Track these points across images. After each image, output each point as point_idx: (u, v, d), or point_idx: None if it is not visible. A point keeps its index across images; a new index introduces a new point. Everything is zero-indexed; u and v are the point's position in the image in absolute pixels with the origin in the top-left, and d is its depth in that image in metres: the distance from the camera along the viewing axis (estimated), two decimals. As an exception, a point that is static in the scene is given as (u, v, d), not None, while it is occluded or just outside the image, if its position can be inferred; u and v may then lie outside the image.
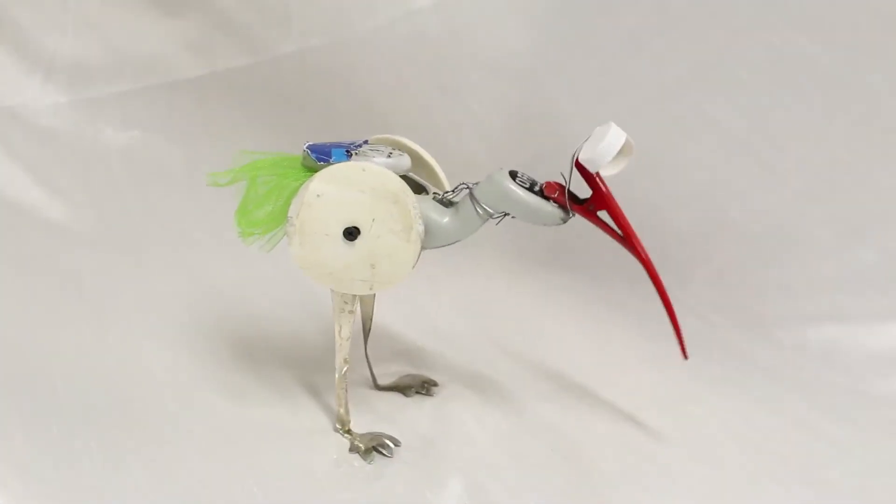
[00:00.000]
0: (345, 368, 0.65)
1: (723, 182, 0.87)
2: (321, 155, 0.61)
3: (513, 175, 0.60)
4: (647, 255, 0.60)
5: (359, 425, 0.66)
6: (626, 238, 0.60)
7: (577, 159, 0.58)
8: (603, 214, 0.60)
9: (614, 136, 0.56)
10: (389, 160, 0.61)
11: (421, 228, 0.59)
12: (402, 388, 0.72)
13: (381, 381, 0.72)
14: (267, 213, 0.61)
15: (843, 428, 0.69)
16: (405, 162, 0.62)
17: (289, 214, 0.60)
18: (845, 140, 0.82)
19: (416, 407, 0.70)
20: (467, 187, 0.61)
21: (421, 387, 0.72)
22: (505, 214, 0.60)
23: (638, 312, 0.85)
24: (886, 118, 0.80)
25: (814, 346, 0.79)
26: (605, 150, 0.56)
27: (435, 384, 0.72)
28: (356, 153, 0.61)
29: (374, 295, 0.71)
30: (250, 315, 0.83)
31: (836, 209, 0.83)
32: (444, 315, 0.84)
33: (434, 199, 0.62)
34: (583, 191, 0.60)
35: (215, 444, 0.64)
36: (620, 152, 0.57)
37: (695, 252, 0.88)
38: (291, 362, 0.74)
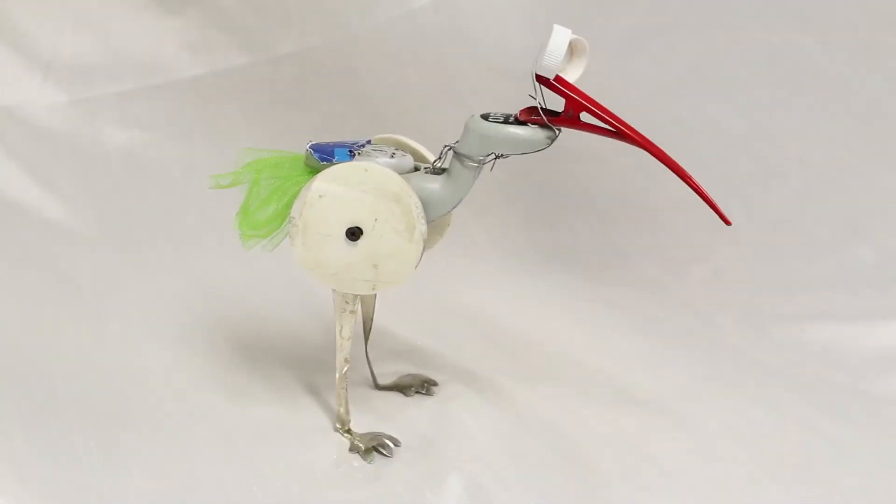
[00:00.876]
0: (345, 368, 0.65)
1: (723, 182, 0.87)
2: (324, 155, 0.61)
3: (485, 117, 0.59)
4: (646, 139, 0.58)
5: (359, 425, 0.66)
6: (619, 131, 0.58)
7: (535, 74, 0.57)
8: (587, 120, 0.58)
9: (557, 35, 0.55)
10: (392, 160, 0.61)
11: (423, 228, 0.59)
12: (403, 387, 0.72)
13: (382, 381, 0.72)
14: (269, 215, 0.61)
15: (842, 427, 0.69)
16: (408, 162, 0.62)
17: (291, 214, 0.60)
18: (845, 140, 0.82)
19: (415, 407, 0.70)
20: (450, 148, 0.60)
21: (421, 386, 0.72)
22: (495, 157, 0.59)
23: (637, 312, 0.85)
24: (886, 118, 0.80)
25: (814, 346, 0.79)
26: (552, 50, 0.55)
27: (435, 384, 0.72)
28: (359, 153, 0.61)
29: (375, 295, 0.71)
30: (250, 315, 0.83)
31: (836, 209, 0.83)
32: (443, 315, 0.84)
33: (425, 172, 0.62)
34: (557, 106, 0.58)
35: (215, 444, 0.64)
36: (574, 52, 0.56)
37: (694, 251, 0.88)
38: (291, 362, 0.74)
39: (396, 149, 0.63)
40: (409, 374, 0.73)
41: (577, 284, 0.89)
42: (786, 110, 0.84)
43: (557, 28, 0.56)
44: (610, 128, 0.58)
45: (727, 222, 0.59)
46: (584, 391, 0.73)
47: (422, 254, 0.60)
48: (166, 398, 0.69)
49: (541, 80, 0.57)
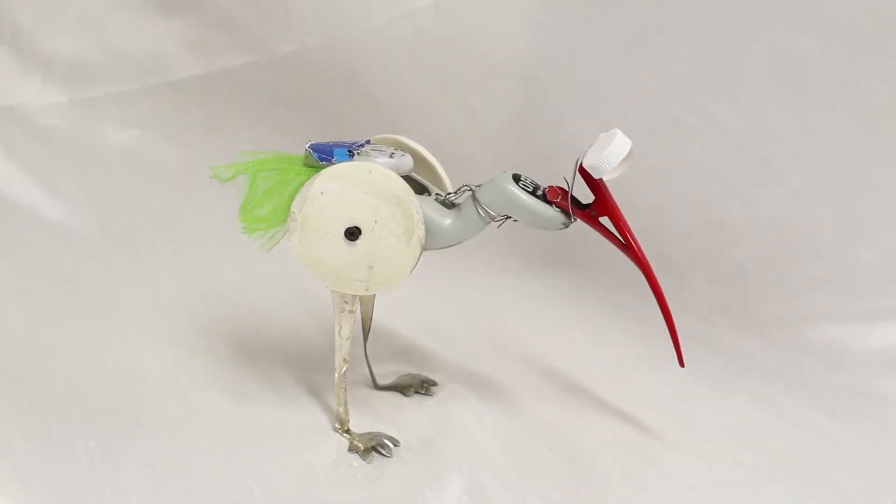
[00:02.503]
0: (344, 368, 0.65)
1: (723, 182, 0.87)
2: (323, 154, 0.61)
3: (516, 178, 0.60)
4: (647, 263, 0.60)
5: (358, 425, 0.66)
6: (628, 245, 0.60)
7: (580, 165, 0.58)
8: (605, 221, 0.60)
9: (619, 144, 0.56)
10: (392, 160, 0.61)
11: (422, 234, 0.59)
12: (402, 387, 0.72)
13: (381, 381, 0.72)
14: (269, 210, 0.61)
15: (842, 428, 0.69)
16: (407, 162, 0.62)
17: (291, 209, 0.60)
18: (845, 140, 0.82)
19: (415, 407, 0.70)
20: (470, 189, 0.61)
21: (420, 386, 0.72)
22: (507, 217, 0.60)
23: (638, 313, 0.85)
24: (886, 118, 0.80)
25: (814, 346, 0.79)
26: (609, 157, 0.56)
27: (434, 384, 0.72)
28: (358, 153, 0.61)
29: (375, 295, 0.71)
30: (250, 315, 0.83)
31: (836, 209, 0.83)
32: (443, 315, 0.84)
33: (436, 199, 0.62)
34: (584, 195, 0.60)
35: (215, 444, 0.64)
36: (625, 159, 0.57)
37: (694, 251, 0.88)
38: (291, 362, 0.74)
39: (395, 149, 0.63)
40: (408, 374, 0.73)
41: (576, 285, 0.89)
42: (786, 110, 0.84)
43: (621, 136, 0.57)
44: (622, 239, 0.60)
45: (681, 364, 0.64)
46: (584, 391, 0.73)
47: (418, 259, 0.60)
48: (166, 398, 0.69)
49: (583, 173, 0.58)
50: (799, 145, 0.84)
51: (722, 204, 0.87)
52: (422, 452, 0.64)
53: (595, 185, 0.59)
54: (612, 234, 0.60)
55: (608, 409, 0.70)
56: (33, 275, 0.86)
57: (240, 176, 0.62)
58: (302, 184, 0.60)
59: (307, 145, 0.62)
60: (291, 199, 0.60)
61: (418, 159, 0.64)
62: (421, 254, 0.60)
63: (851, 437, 0.68)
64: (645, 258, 0.60)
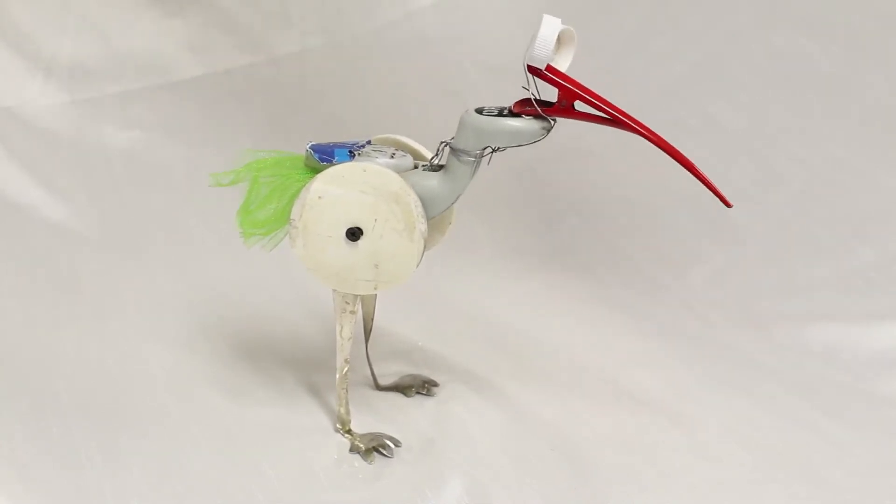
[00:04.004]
0: (346, 368, 0.65)
1: (723, 182, 0.87)
2: (324, 155, 0.61)
3: (479, 111, 0.59)
4: (641, 125, 0.57)
5: (359, 425, 0.66)
6: (615, 118, 0.57)
7: (526, 64, 0.57)
8: (582, 109, 0.58)
9: (547, 24, 0.56)
10: (392, 160, 0.61)
11: (424, 227, 0.59)
12: (403, 388, 0.72)
13: (382, 382, 0.72)
14: (269, 214, 0.61)
15: (843, 427, 0.69)
16: (408, 162, 0.62)
17: (291, 216, 0.60)
18: (845, 140, 0.82)
19: (416, 407, 0.70)
20: (446, 144, 0.60)
21: (421, 387, 0.72)
22: (492, 151, 0.59)
23: (638, 312, 0.85)
24: (886, 118, 0.80)
25: (813, 346, 0.79)
26: (543, 40, 0.55)
27: (435, 384, 0.72)
28: (359, 153, 0.61)
29: (376, 295, 0.71)
30: (251, 315, 0.83)
31: (836, 209, 0.83)
32: (444, 315, 0.84)
33: (423, 169, 0.62)
34: (551, 96, 0.58)
35: (215, 444, 0.64)
36: (564, 42, 0.56)
37: (694, 252, 0.88)
38: (292, 362, 0.74)
39: (396, 149, 0.63)
40: (409, 375, 0.73)
41: (577, 284, 0.89)
42: (786, 110, 0.84)
43: (547, 17, 0.56)
44: (604, 115, 0.57)
45: (728, 204, 0.59)
46: (585, 391, 0.73)
47: (423, 253, 0.60)
48: (167, 398, 0.69)
49: (532, 70, 0.57)
50: (799, 145, 0.84)
51: (722, 204, 0.87)
52: (423, 453, 0.64)
53: (550, 77, 0.57)
54: (595, 115, 0.58)
55: (608, 409, 0.70)
56: (33, 275, 0.86)
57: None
58: (301, 188, 0.60)
59: (308, 146, 0.62)
60: (291, 202, 0.60)
61: (419, 159, 0.64)
62: (425, 247, 0.60)
63: (851, 437, 0.68)
64: (637, 122, 0.57)
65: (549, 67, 0.57)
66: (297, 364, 0.74)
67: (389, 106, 0.97)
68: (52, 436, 0.63)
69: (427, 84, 0.96)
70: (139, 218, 0.97)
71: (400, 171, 0.60)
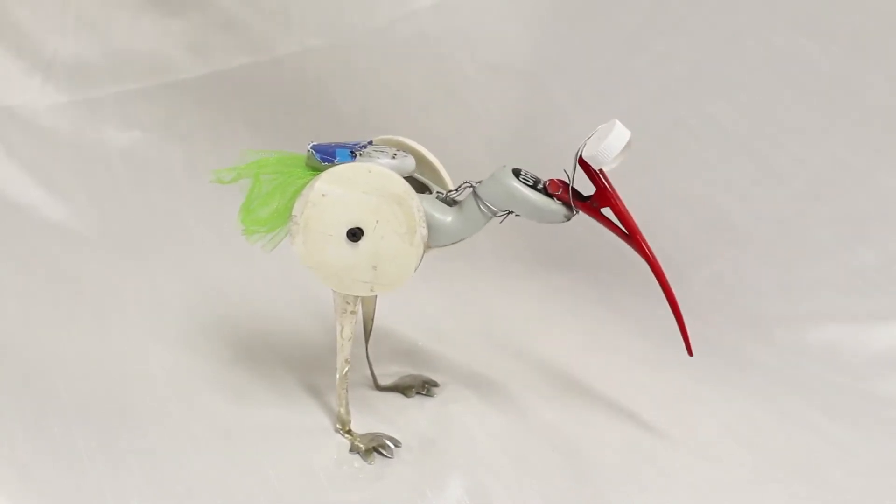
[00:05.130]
0: (346, 369, 0.65)
1: (723, 182, 0.87)
2: (325, 155, 0.61)
3: (516, 173, 0.59)
4: (652, 253, 0.60)
5: (359, 426, 0.66)
6: (631, 236, 0.60)
7: (580, 156, 0.58)
8: (607, 213, 0.60)
9: (619, 134, 0.56)
10: (394, 161, 0.61)
11: (424, 231, 0.59)
12: (403, 388, 0.72)
13: (382, 382, 0.72)
14: (271, 212, 0.61)
15: (843, 428, 0.69)
16: (409, 163, 0.62)
17: (293, 213, 0.60)
18: (845, 140, 0.82)
19: (416, 407, 0.70)
20: (471, 186, 0.61)
21: (421, 387, 0.72)
22: (509, 213, 0.60)
23: (638, 312, 0.85)
24: (886, 118, 0.80)
25: (814, 346, 0.79)
26: (609, 148, 0.56)
27: (435, 385, 0.72)
28: (360, 154, 0.61)
29: (376, 296, 0.71)
30: (251, 315, 0.83)
31: (836, 209, 0.83)
32: (445, 316, 0.84)
33: (437, 198, 0.62)
34: (585, 187, 0.60)
35: (216, 444, 0.64)
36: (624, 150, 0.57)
37: (695, 252, 0.88)
38: (292, 362, 0.74)
39: (398, 150, 0.63)
40: (409, 375, 0.73)
41: (577, 285, 0.89)
42: (786, 110, 0.84)
43: (619, 126, 0.57)
44: (625, 230, 0.60)
45: (690, 353, 0.64)
46: (585, 392, 0.73)
47: (421, 257, 0.60)
48: (167, 398, 0.69)
49: (583, 164, 0.58)
50: (799, 145, 0.84)
51: (722, 204, 0.87)
52: (423, 453, 0.64)
53: (595, 176, 0.59)
54: (615, 224, 0.60)
55: (609, 409, 0.70)
56: (33, 275, 0.86)
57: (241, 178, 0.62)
58: (303, 186, 0.60)
59: (309, 146, 0.62)
60: (292, 200, 0.60)
61: (420, 160, 0.64)
62: (424, 252, 0.60)
63: (851, 437, 0.68)
64: (648, 248, 0.60)
65: (599, 170, 0.58)
66: (297, 364, 0.74)
67: (390, 106, 0.97)
68: (52, 436, 0.63)
69: (427, 84, 0.96)
70: (139, 218, 0.97)
71: (402, 171, 0.60)
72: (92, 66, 1.02)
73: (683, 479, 0.62)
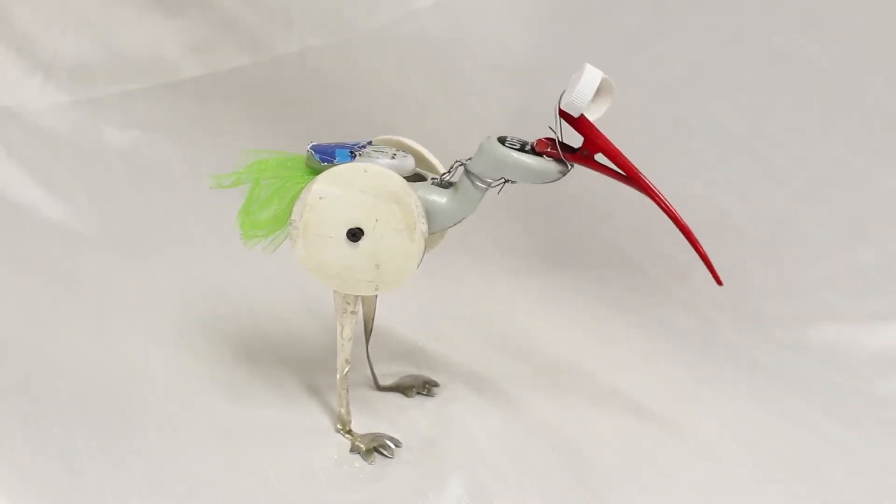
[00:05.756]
0: (346, 369, 0.65)
1: (723, 182, 0.87)
2: (325, 156, 0.61)
3: (502, 140, 0.59)
4: (654, 189, 0.58)
5: (360, 426, 0.66)
6: (630, 176, 0.58)
7: (559, 108, 0.57)
8: (602, 161, 0.59)
9: (589, 75, 0.56)
10: (393, 161, 0.61)
11: (424, 227, 0.59)
12: (404, 388, 0.72)
13: (383, 382, 0.72)
14: (270, 215, 0.61)
15: (843, 427, 0.69)
16: (409, 163, 0.62)
17: (292, 217, 0.60)
18: (845, 140, 0.82)
19: (417, 407, 0.70)
20: (462, 164, 0.60)
21: (422, 387, 0.72)
22: (504, 181, 0.60)
23: (638, 312, 0.85)
24: (886, 118, 0.80)
25: (814, 346, 0.79)
26: (582, 90, 0.56)
27: (436, 385, 0.72)
28: (360, 154, 0.61)
29: (377, 295, 0.71)
30: (251, 315, 0.83)
31: (836, 209, 0.83)
32: (445, 316, 0.84)
33: (432, 183, 0.62)
34: (575, 141, 0.59)
35: (216, 445, 0.64)
36: (600, 92, 0.57)
37: (695, 252, 0.88)
38: (292, 362, 0.74)
39: (397, 150, 0.63)
40: (410, 375, 0.73)
41: (577, 285, 0.89)
42: (786, 110, 0.84)
43: (589, 68, 0.56)
44: (622, 172, 0.58)
45: (719, 282, 0.62)
46: (585, 391, 0.73)
47: (423, 253, 0.60)
48: (167, 398, 0.69)
49: (564, 115, 0.57)
50: (799, 145, 0.84)
51: (722, 204, 0.87)
52: (423, 453, 0.64)
53: (579, 124, 0.58)
54: (612, 169, 0.59)
55: (609, 409, 0.70)
56: (33, 275, 0.86)
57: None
58: (302, 189, 0.60)
59: (309, 146, 0.62)
60: (292, 203, 0.60)
61: (420, 160, 0.64)
62: (426, 248, 0.60)
63: (851, 437, 0.68)
64: (651, 184, 0.58)
65: (581, 117, 0.57)
66: (297, 364, 0.74)
67: (389, 106, 0.97)
68: (52, 436, 0.63)
69: (427, 84, 0.96)
70: (139, 218, 0.97)
71: (401, 171, 0.60)
72: (92, 66, 1.02)
73: (683, 479, 0.62)
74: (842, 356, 0.78)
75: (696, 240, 0.60)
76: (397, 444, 0.64)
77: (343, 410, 0.66)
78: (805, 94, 0.83)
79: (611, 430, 0.68)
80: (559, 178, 0.59)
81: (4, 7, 1.00)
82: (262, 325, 0.81)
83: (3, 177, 0.97)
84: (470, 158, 0.60)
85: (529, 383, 0.73)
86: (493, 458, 0.63)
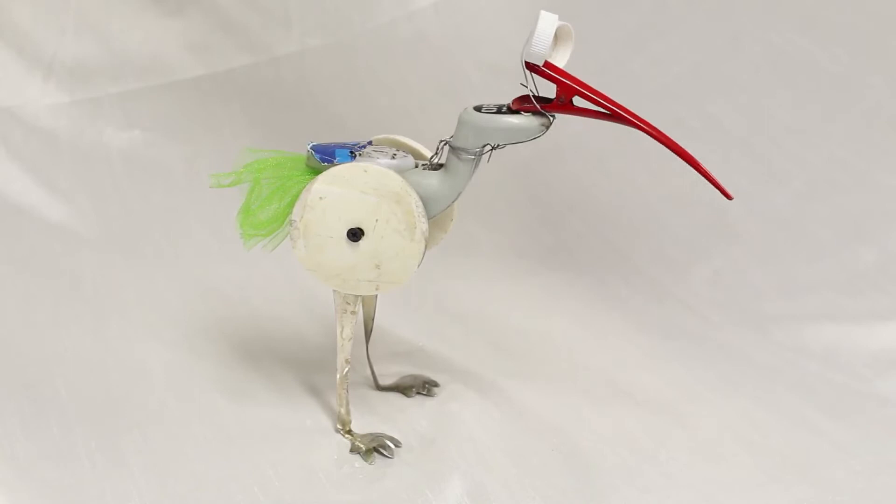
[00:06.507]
0: (346, 369, 0.65)
1: (723, 182, 0.87)
2: (325, 156, 0.61)
3: (478, 108, 0.59)
4: (641, 119, 0.57)
5: (360, 426, 0.66)
6: (614, 114, 0.57)
7: (524, 62, 0.57)
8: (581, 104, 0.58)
9: (545, 21, 0.55)
10: (394, 161, 0.61)
11: (425, 227, 0.59)
12: (403, 388, 0.72)
13: (382, 382, 0.72)
14: (270, 215, 0.61)
15: (843, 427, 0.69)
16: (409, 163, 0.62)
17: (292, 217, 0.60)
18: (845, 140, 0.82)
19: (416, 407, 0.70)
20: (446, 142, 0.60)
21: (422, 387, 0.72)
22: (491, 149, 0.59)
23: (638, 312, 0.85)
24: (886, 118, 0.81)
25: (813, 346, 0.79)
26: (540, 36, 0.55)
27: (436, 385, 0.72)
28: (360, 154, 0.61)
29: (377, 295, 0.71)
30: (251, 315, 0.83)
31: (836, 209, 0.83)
32: (445, 316, 0.84)
33: (423, 168, 0.62)
34: (551, 93, 0.58)
35: (216, 445, 0.64)
36: (561, 38, 0.56)
37: (694, 252, 0.88)
38: (292, 362, 0.74)
39: (397, 149, 0.63)
40: (409, 375, 0.73)
41: (577, 285, 0.89)
42: (786, 110, 0.84)
43: (544, 14, 0.55)
44: (604, 110, 0.57)
45: (728, 197, 0.59)
46: (585, 391, 0.73)
47: (424, 252, 0.60)
48: (167, 398, 0.69)
49: (530, 67, 0.57)
50: (799, 145, 0.84)
51: (722, 204, 0.87)
52: (423, 453, 0.64)
53: (547, 74, 0.57)
54: (594, 110, 0.58)
55: (609, 409, 0.70)
56: (33, 275, 0.86)
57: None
58: (302, 189, 0.60)
59: (309, 146, 0.62)
60: (292, 203, 0.60)
61: (420, 160, 0.64)
62: (427, 246, 0.60)
63: (851, 437, 0.68)
64: (636, 116, 0.57)
65: (546, 63, 0.57)
66: (297, 364, 0.74)
67: (389, 106, 0.97)
68: (52, 436, 0.63)
69: (427, 84, 0.96)
70: (139, 218, 0.97)
71: (401, 171, 0.60)
72: (92, 66, 1.02)
73: (683, 479, 0.62)
74: (841, 356, 0.78)
75: (696, 160, 0.58)
76: (397, 444, 0.64)
77: (343, 410, 0.66)
78: (805, 94, 0.83)
79: (611, 429, 0.68)
80: (543, 132, 0.58)
81: (4, 7, 1.00)
82: (262, 325, 0.81)
83: (4, 177, 0.97)
84: (453, 135, 0.60)
85: (529, 383, 0.73)
86: (494, 459, 0.63)
